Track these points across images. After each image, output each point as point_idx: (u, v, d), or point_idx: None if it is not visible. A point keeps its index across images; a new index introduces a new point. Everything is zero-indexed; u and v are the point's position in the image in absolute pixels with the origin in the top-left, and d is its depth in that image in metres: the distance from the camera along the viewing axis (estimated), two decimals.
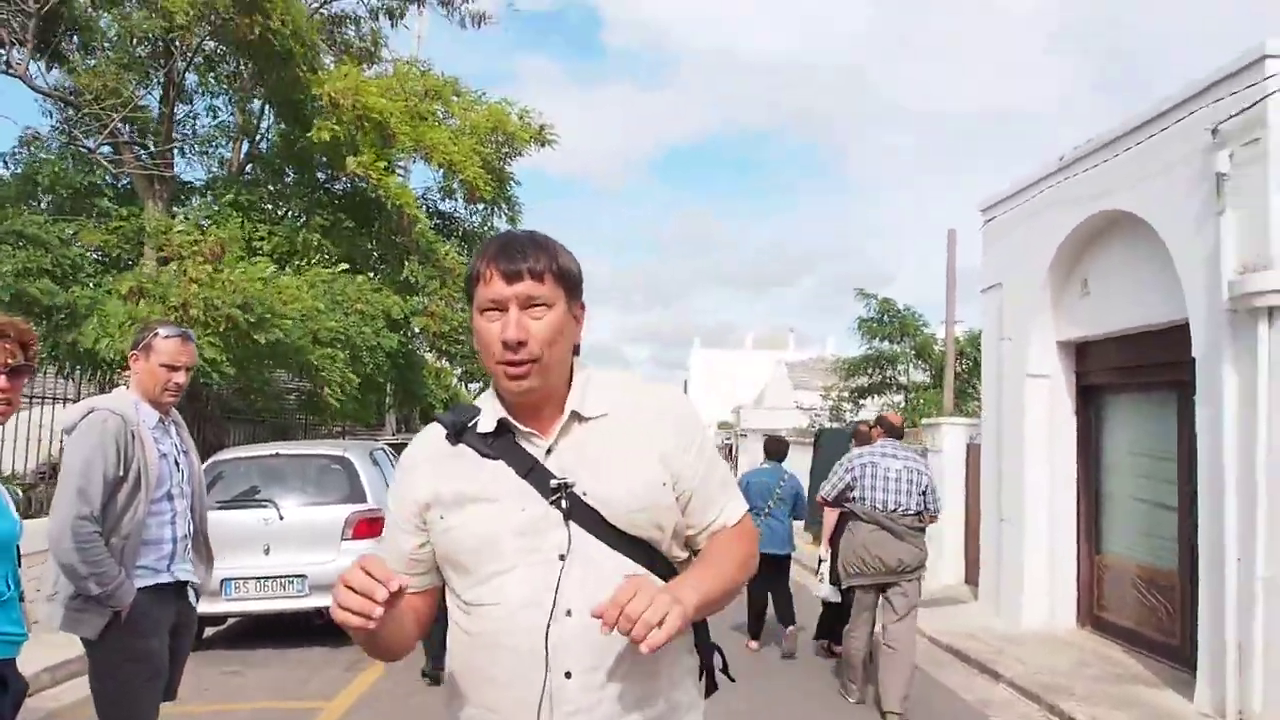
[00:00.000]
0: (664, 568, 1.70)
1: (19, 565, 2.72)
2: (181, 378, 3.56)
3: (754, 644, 8.37)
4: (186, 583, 3.52)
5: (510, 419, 1.67)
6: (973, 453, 11.54)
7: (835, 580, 7.25)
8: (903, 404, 21.39)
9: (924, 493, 6.58)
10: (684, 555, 1.76)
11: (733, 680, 1.85)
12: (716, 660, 1.83)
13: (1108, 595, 8.98)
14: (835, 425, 20.72)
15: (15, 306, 10.64)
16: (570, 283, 1.69)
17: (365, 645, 1.62)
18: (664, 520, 1.69)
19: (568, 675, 1.58)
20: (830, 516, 7.31)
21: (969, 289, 13.32)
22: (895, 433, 7.02)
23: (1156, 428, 8.28)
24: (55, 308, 10.55)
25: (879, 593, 6.52)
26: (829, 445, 17.46)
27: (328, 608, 5.72)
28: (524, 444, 1.68)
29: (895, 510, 6.44)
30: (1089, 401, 9.35)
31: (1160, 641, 7.96)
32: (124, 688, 3.25)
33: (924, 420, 13.74)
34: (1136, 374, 8.53)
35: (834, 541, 7.15)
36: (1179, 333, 7.08)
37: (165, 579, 3.42)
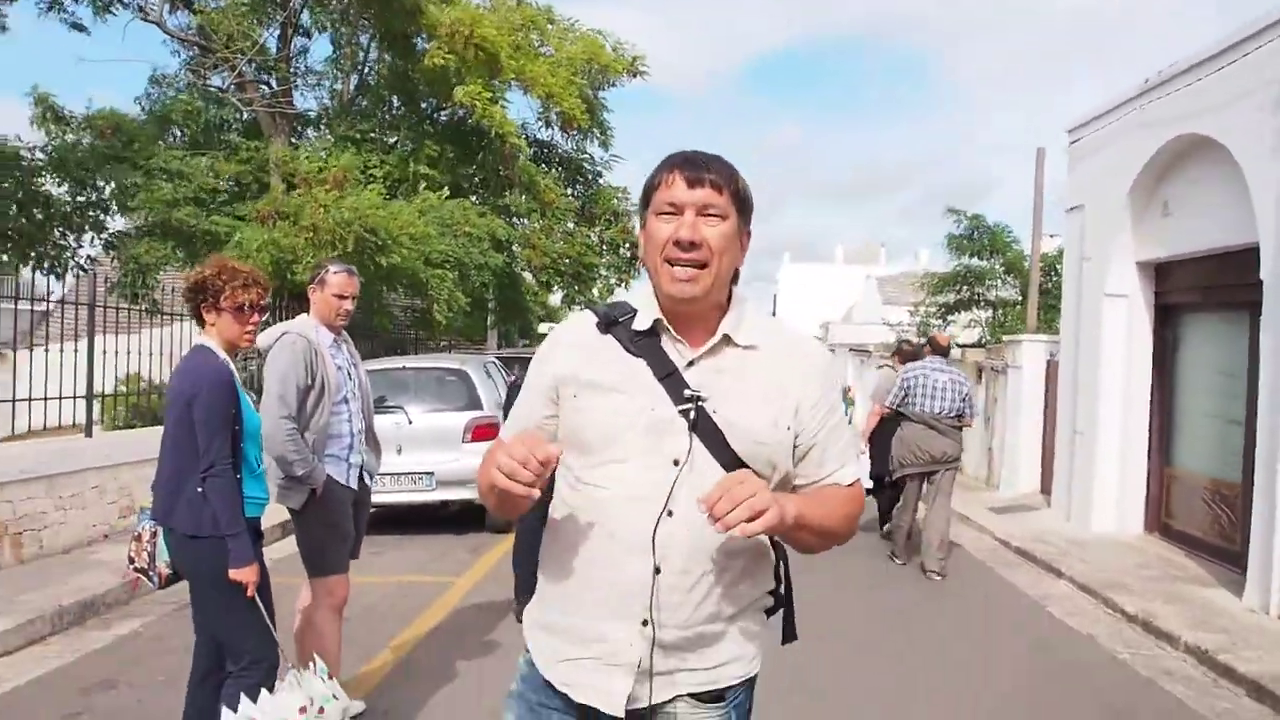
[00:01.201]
0: None
1: (261, 448, 3.55)
2: (349, 305, 4.35)
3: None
4: (362, 466, 4.36)
5: (664, 321, 1.75)
6: (1052, 369, 11.90)
7: (874, 471, 8.86)
8: (990, 319, 21.54)
9: (964, 399, 8.10)
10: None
11: (795, 636, 1.97)
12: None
13: (1175, 505, 9.39)
14: (921, 340, 20.98)
15: (165, 231, 11.76)
16: (744, 204, 1.76)
17: (494, 505, 1.75)
18: (778, 461, 1.75)
19: (657, 570, 1.66)
20: (871, 419, 9.09)
21: (1061, 208, 13.52)
22: (942, 351, 8.54)
23: (1229, 346, 8.56)
24: (199, 233, 11.61)
25: (923, 480, 8.24)
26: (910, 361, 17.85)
27: (452, 500, 6.70)
28: (668, 349, 1.74)
29: (940, 413, 7.99)
30: (1166, 320, 9.64)
31: (1221, 547, 8.40)
32: (321, 546, 4.12)
33: (1005, 337, 14.07)
34: (1212, 294, 8.79)
35: (872, 441, 8.92)
36: (1252, 255, 7.37)
37: (345, 464, 4.26)
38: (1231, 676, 5.62)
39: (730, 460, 1.69)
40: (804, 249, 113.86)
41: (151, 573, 3.31)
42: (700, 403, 1.68)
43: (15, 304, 8.26)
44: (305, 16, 13.61)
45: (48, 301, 10.82)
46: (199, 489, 3.14)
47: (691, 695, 1.73)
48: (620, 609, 1.68)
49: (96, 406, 8.45)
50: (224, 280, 3.27)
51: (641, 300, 1.80)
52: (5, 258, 12.09)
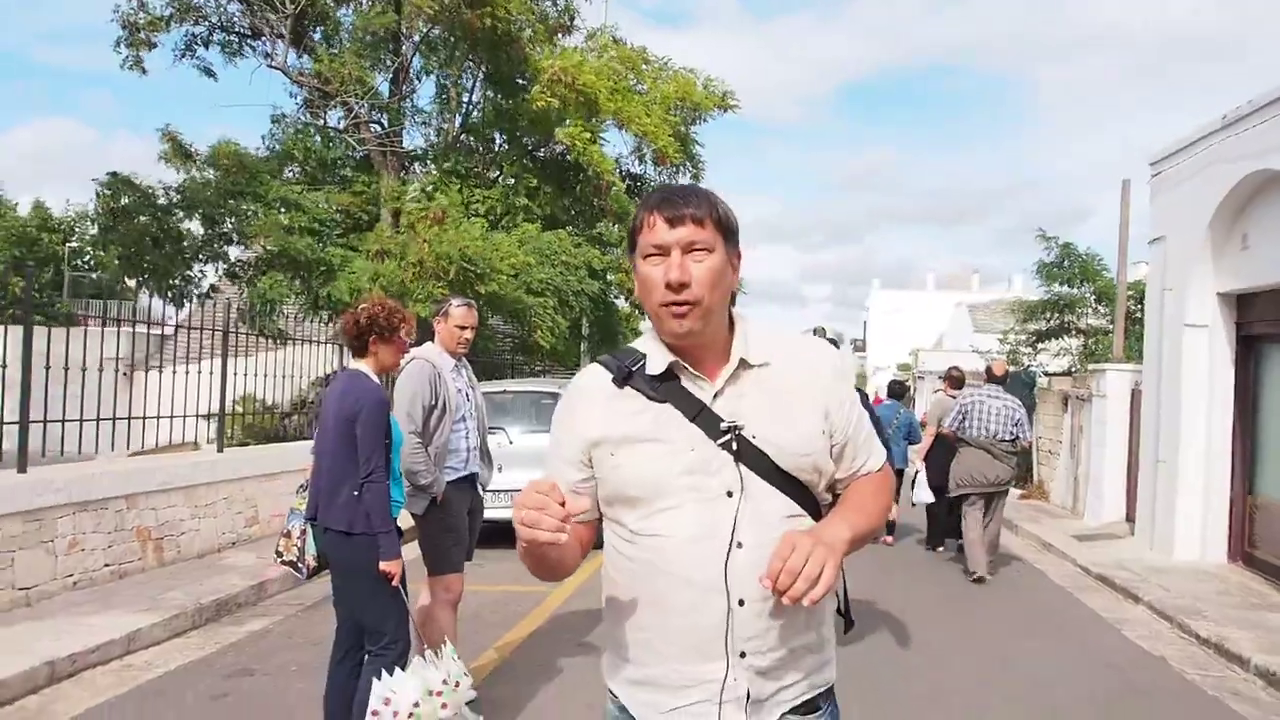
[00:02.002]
0: (813, 507, 1.80)
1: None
2: (469, 334, 4.93)
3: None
4: (477, 477, 4.93)
5: (679, 361, 1.75)
6: (1136, 397, 11.96)
7: (931, 482, 9.86)
8: (1080, 348, 21.34)
9: (1016, 424, 8.88)
10: (829, 498, 1.87)
11: (853, 623, 2.02)
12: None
13: (1259, 533, 9.41)
14: (1011, 369, 20.91)
15: (283, 262, 12.68)
16: (728, 230, 1.75)
17: (533, 565, 1.74)
18: (822, 465, 1.79)
19: (740, 603, 1.67)
20: (926, 439, 10.14)
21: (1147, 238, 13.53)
22: (997, 380, 9.41)
23: None
24: (314, 262, 12.50)
25: (982, 499, 8.96)
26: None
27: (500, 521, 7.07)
28: (690, 387, 1.75)
29: (994, 437, 8.80)
30: (1249, 351, 9.70)
31: None
32: (440, 548, 4.69)
33: (1090, 366, 14.11)
34: None
35: (927, 459, 9.95)
36: None
37: (463, 475, 4.83)
38: None
39: (780, 479, 1.73)
40: (895, 275, 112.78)
41: (300, 565, 3.91)
42: (738, 430, 1.71)
43: (149, 328, 9.05)
44: (416, 61, 14.52)
45: (183, 326, 11.73)
46: (354, 493, 3.73)
47: (789, 711, 1.76)
48: (711, 649, 1.69)
49: (212, 425, 9.23)
50: (398, 317, 3.89)
51: (649, 344, 1.81)
52: (137, 287, 13.15)
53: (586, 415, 1.79)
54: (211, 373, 8.86)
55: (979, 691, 5.61)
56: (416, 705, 3.41)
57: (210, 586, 6.99)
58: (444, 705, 3.47)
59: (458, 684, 3.57)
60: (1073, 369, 20.21)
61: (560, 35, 15.46)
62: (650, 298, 1.73)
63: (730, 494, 1.69)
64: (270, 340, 11.37)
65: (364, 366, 3.93)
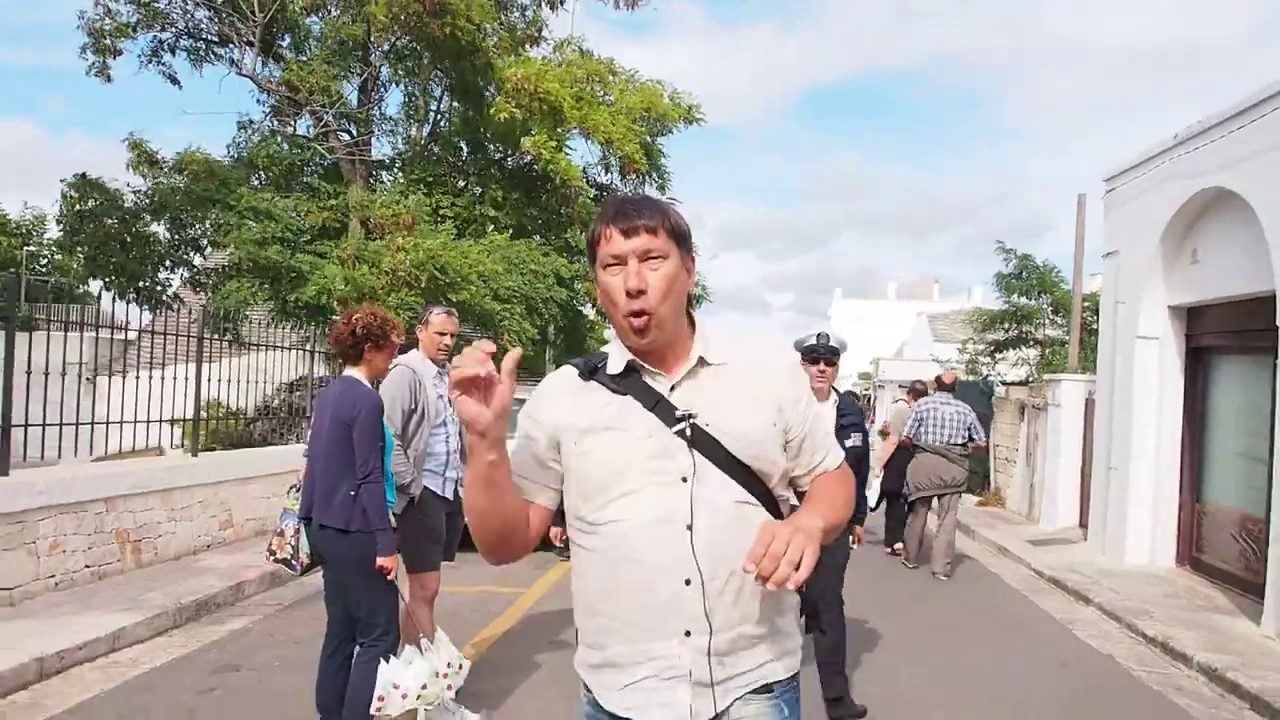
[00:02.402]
0: (766, 498, 1.87)
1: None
2: (448, 341, 5.09)
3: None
4: (458, 481, 5.08)
5: (637, 360, 1.85)
6: (1090, 407, 12.34)
7: (884, 487, 10.59)
8: (1039, 358, 21.85)
9: (969, 428, 9.65)
10: (790, 497, 1.97)
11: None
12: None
13: (1206, 539, 9.78)
14: (969, 378, 21.37)
15: (254, 269, 12.72)
16: (681, 237, 1.84)
17: (483, 540, 1.83)
18: (775, 458, 1.87)
19: (687, 583, 1.75)
20: (887, 447, 10.90)
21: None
22: (947, 388, 10.15)
23: (1255, 388, 9.00)
24: (284, 269, 12.55)
25: (936, 499, 9.74)
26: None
27: None
28: (650, 381, 1.85)
29: (948, 442, 9.55)
30: (1197, 362, 10.09)
31: (1248, 580, 8.78)
32: (418, 547, 4.83)
33: (1046, 376, 14.50)
34: (1239, 338, 9.24)
35: (887, 465, 10.64)
36: (1270, 303, 7.85)
37: (443, 477, 4.98)
38: (1237, 692, 6.08)
39: (732, 466, 1.81)
40: (857, 284, 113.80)
41: (294, 562, 4.05)
42: (692, 419, 1.80)
43: (112, 332, 9.02)
44: (384, 70, 14.63)
45: (148, 331, 11.72)
46: (351, 493, 3.88)
47: (744, 695, 1.82)
48: (660, 627, 1.77)
49: (179, 430, 9.22)
50: (389, 325, 4.06)
51: (612, 347, 1.92)
52: (103, 289, 13.11)
53: (554, 406, 1.88)
54: (176, 378, 8.83)
55: (933, 689, 5.85)
56: (424, 687, 3.61)
57: (189, 587, 7.06)
58: (449, 686, 3.65)
59: (461, 666, 3.76)
60: (1030, 379, 20.69)
61: (528, 46, 15.63)
62: (614, 308, 1.81)
63: (684, 479, 1.77)
64: (238, 345, 11.39)
65: (358, 373, 4.09)
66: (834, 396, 5.29)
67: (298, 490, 4.21)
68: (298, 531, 4.05)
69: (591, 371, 1.89)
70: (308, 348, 12.19)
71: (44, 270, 29.79)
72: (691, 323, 1.92)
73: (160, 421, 8.62)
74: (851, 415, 5.26)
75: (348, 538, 3.90)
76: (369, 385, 4.09)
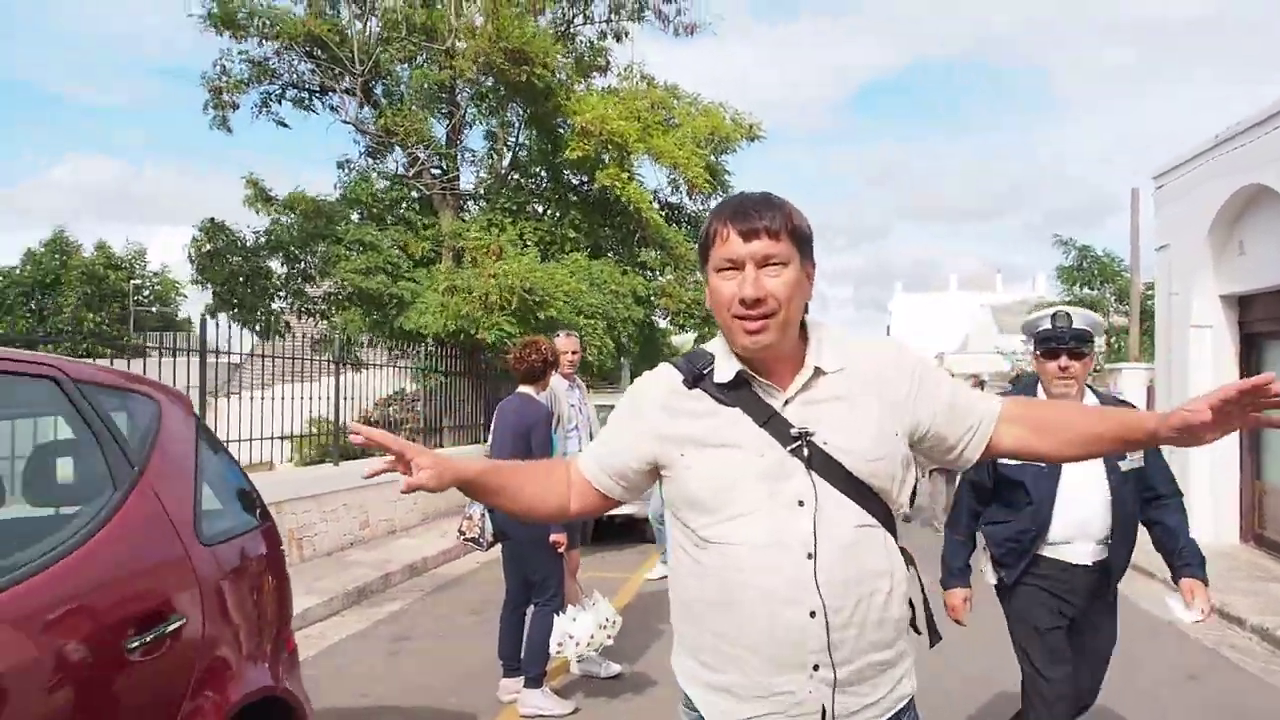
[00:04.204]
0: (886, 517, 1.75)
1: None
2: (573, 357, 6.10)
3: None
4: None
5: (748, 370, 1.73)
6: (1151, 394, 12.96)
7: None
8: (1103, 348, 22.32)
9: None
10: (907, 505, 1.82)
11: (940, 635, 1.99)
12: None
13: (1267, 515, 10.37)
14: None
15: (361, 297, 13.95)
16: (803, 241, 1.71)
17: (511, 514, 1.97)
18: (896, 471, 1.74)
19: (811, 615, 1.65)
20: None
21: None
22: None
23: None
24: (387, 297, 13.76)
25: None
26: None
27: (616, 515, 8.40)
28: (761, 394, 1.73)
29: None
30: (1250, 348, 10.70)
31: None
32: (564, 529, 5.78)
33: (1108, 365, 15.10)
34: None
35: None
36: None
37: None
38: None
39: (852, 487, 1.69)
40: (918, 277, 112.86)
41: (481, 539, 5.07)
42: (809, 437, 1.68)
43: (227, 356, 9.98)
44: (469, 111, 15.86)
45: (264, 355, 12.94)
46: None
47: None
48: (786, 660, 1.67)
49: (288, 446, 10.18)
50: (554, 353, 5.10)
51: (719, 350, 1.79)
52: (232, 323, 14.42)
53: (654, 408, 1.80)
54: (282, 397, 9.50)
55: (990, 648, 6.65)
56: (592, 636, 4.60)
57: (349, 576, 8.19)
58: (609, 636, 4.67)
59: (615, 622, 4.76)
60: (1097, 368, 21.19)
61: (594, 75, 16.72)
62: (723, 311, 1.70)
63: (802, 503, 1.67)
64: (339, 366, 12.42)
65: (531, 390, 5.11)
66: (1094, 404, 3.42)
67: None
68: (484, 515, 5.06)
69: (696, 379, 1.77)
70: (399, 365, 13.36)
71: (148, 300, 31.70)
72: (803, 330, 1.79)
73: (284, 438, 9.71)
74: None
75: None
76: (541, 400, 5.11)
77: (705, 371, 1.78)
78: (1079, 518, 3.40)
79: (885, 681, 1.76)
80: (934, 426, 1.80)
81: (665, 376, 1.85)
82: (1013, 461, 3.21)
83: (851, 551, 1.68)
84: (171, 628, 2.58)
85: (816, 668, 1.67)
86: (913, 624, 1.86)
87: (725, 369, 1.75)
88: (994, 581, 3.62)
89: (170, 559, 2.71)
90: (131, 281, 30.75)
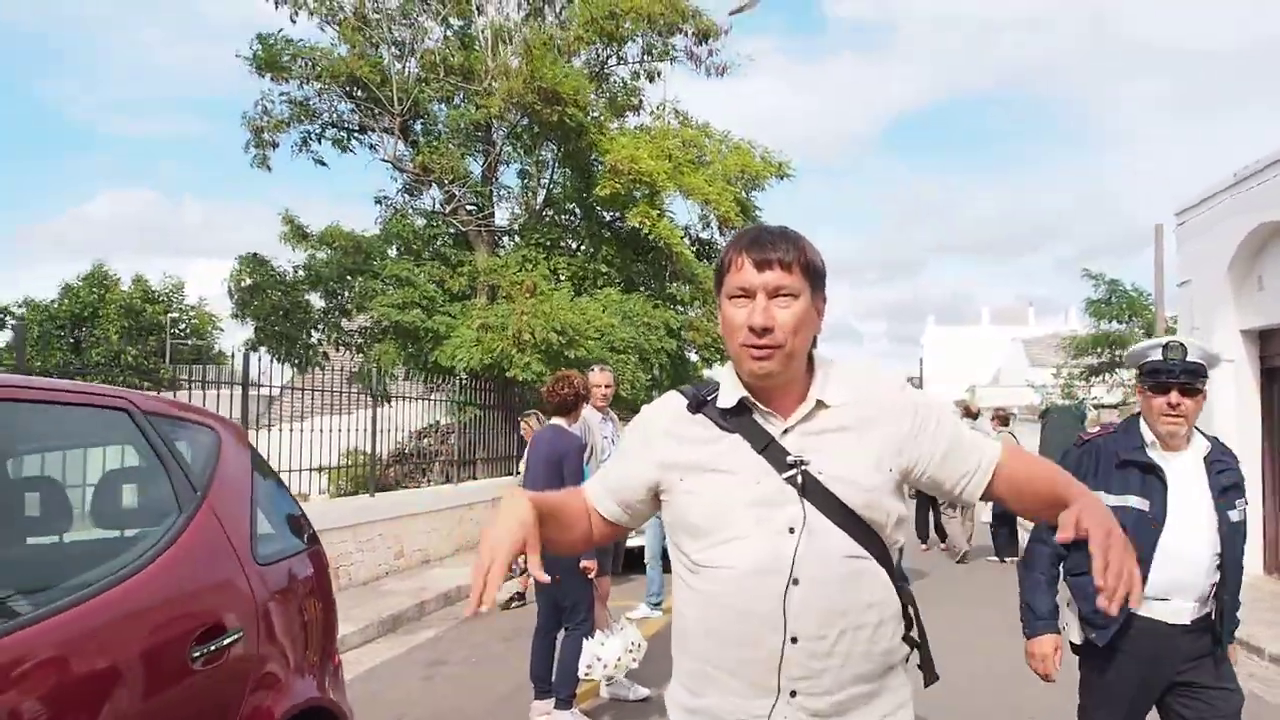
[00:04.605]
0: (881, 550, 1.76)
1: None
2: (606, 390, 6.35)
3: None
4: None
5: (750, 398, 1.76)
6: None
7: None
8: (1132, 381, 22.27)
9: None
10: (901, 540, 1.83)
11: (937, 676, 1.94)
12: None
13: None
14: (1063, 403, 21.89)
15: (397, 331, 14.32)
16: (815, 276, 1.74)
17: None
18: (889, 508, 1.75)
19: (794, 640, 1.67)
20: None
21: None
22: (971, 415, 12.50)
23: None
24: (423, 332, 14.12)
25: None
26: (1056, 423, 18.85)
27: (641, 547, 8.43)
28: (761, 422, 1.76)
29: None
30: (1272, 381, 10.77)
31: None
32: (594, 556, 6.00)
33: (1128, 398, 15.13)
34: None
35: None
36: None
37: None
38: None
39: (845, 518, 1.71)
40: (950, 311, 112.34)
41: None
42: (804, 466, 1.70)
43: (259, 389, 10.35)
44: (504, 149, 16.31)
45: (301, 388, 13.32)
46: None
47: None
48: (763, 685, 1.69)
49: (324, 477, 10.46)
50: (589, 386, 5.38)
51: (725, 377, 1.82)
52: (270, 356, 14.85)
53: (660, 436, 1.83)
54: (318, 430, 9.71)
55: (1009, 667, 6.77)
56: (619, 659, 4.83)
57: (384, 605, 8.44)
58: (635, 659, 4.89)
59: (641, 646, 4.98)
60: (1127, 400, 21.16)
61: (628, 114, 17.12)
62: (732, 338, 1.74)
63: (792, 530, 1.69)
64: (376, 399, 12.76)
65: (563, 422, 5.37)
66: (1204, 447, 3.16)
67: None
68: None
69: (700, 404, 1.82)
70: (433, 398, 13.65)
71: (184, 333, 32.36)
72: (809, 363, 1.82)
73: (322, 469, 10.02)
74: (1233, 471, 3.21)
75: None
76: (574, 432, 5.36)
77: (709, 398, 1.81)
78: (1180, 572, 3.02)
79: (871, 713, 1.75)
80: (929, 468, 1.81)
81: (671, 403, 1.88)
82: (1112, 500, 2.97)
83: (839, 581, 1.69)
84: (229, 641, 2.83)
85: (794, 694, 1.69)
86: (907, 658, 1.87)
87: (729, 395, 1.78)
88: (1078, 641, 3.19)
89: (229, 578, 2.97)
90: (168, 315, 31.46)
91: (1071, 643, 3.21)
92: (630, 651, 5.02)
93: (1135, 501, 3.06)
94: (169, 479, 2.94)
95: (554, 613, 5.37)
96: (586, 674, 5.04)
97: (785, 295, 1.70)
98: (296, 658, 3.26)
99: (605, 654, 4.93)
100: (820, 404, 1.76)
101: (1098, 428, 3.44)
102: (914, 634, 1.88)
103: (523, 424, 9.18)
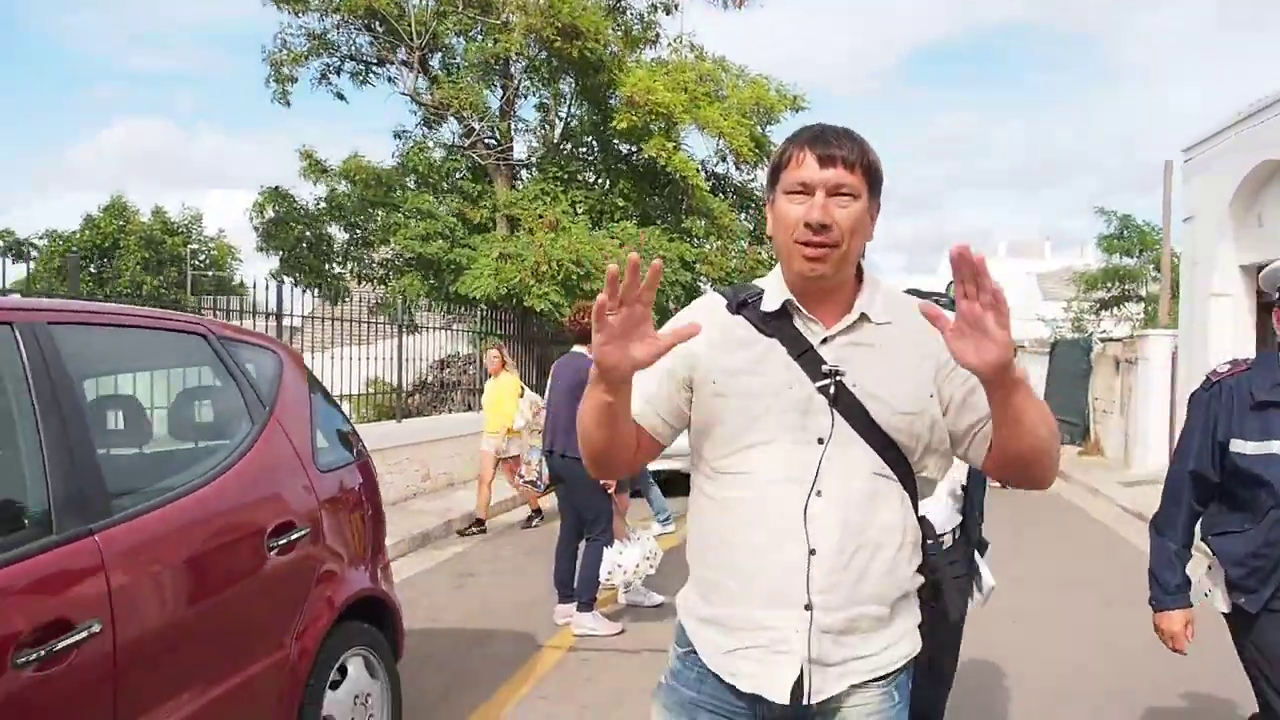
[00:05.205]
0: (906, 472, 1.72)
1: None
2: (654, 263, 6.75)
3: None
4: None
5: (795, 301, 1.72)
6: (1175, 360, 13.37)
7: None
8: (1141, 315, 22.52)
9: None
10: (937, 476, 1.79)
11: (959, 615, 1.92)
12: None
13: None
14: (1072, 336, 22.17)
15: (419, 262, 14.70)
16: (875, 178, 1.70)
17: (588, 457, 1.81)
18: (921, 430, 1.70)
19: (813, 552, 1.65)
20: None
21: None
22: None
23: None
24: (446, 263, 14.50)
25: None
26: (1063, 356, 19.22)
27: (662, 472, 8.87)
28: (801, 328, 1.72)
29: None
30: (1268, 317, 11.03)
31: None
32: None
33: (1136, 332, 15.46)
34: None
35: None
36: None
37: None
38: None
39: (874, 434, 1.68)
40: (970, 244, 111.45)
41: (539, 481, 5.79)
42: (839, 377, 1.67)
43: (284, 319, 10.83)
44: (522, 83, 16.50)
45: (353, 320, 13.76)
46: None
47: (856, 683, 1.71)
48: (779, 595, 1.67)
49: (347, 405, 10.88)
50: None
51: (770, 281, 1.78)
52: (295, 287, 15.27)
53: (697, 339, 1.68)
54: (342, 359, 10.17)
55: (1023, 593, 7.28)
56: (637, 566, 5.32)
57: (413, 523, 8.98)
58: (652, 566, 5.38)
59: (658, 554, 5.48)
60: (1134, 334, 21.47)
61: (645, 46, 17.21)
62: (785, 234, 1.68)
63: (821, 440, 1.66)
64: (401, 330, 13.19)
65: (584, 350, 5.77)
66: None
67: (539, 433, 5.97)
68: (541, 461, 5.76)
69: (740, 306, 1.78)
70: (455, 328, 14.10)
71: (203, 265, 32.83)
72: (858, 275, 1.78)
73: (340, 397, 10.46)
74: None
75: (581, 462, 5.64)
76: (592, 357, 5.78)
77: (750, 301, 1.78)
78: None
79: (879, 638, 1.72)
80: (952, 408, 1.73)
81: (709, 304, 1.84)
82: (1252, 448, 2.71)
83: (864, 498, 1.67)
84: (297, 536, 3.28)
85: (808, 607, 1.66)
86: (920, 594, 1.84)
87: (773, 298, 1.74)
88: (1226, 610, 2.85)
89: (295, 482, 3.42)
90: (188, 246, 31.89)
91: (1222, 612, 2.87)
92: (648, 559, 5.52)
93: None
94: (241, 395, 3.37)
95: (576, 525, 5.85)
96: (608, 579, 5.55)
97: (845, 195, 1.66)
98: (351, 554, 3.73)
99: (625, 560, 5.42)
100: (864, 317, 1.73)
101: (1228, 365, 2.98)
102: (929, 570, 1.85)
103: (487, 357, 9.61)
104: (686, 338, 1.57)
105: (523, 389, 9.71)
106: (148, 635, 2.51)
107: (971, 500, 2.96)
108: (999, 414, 1.59)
